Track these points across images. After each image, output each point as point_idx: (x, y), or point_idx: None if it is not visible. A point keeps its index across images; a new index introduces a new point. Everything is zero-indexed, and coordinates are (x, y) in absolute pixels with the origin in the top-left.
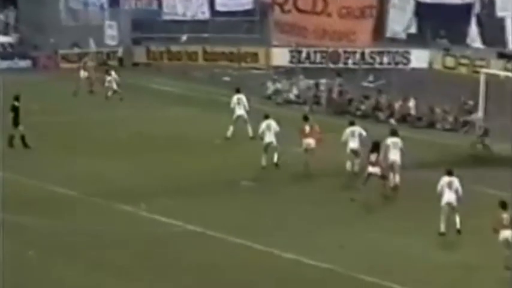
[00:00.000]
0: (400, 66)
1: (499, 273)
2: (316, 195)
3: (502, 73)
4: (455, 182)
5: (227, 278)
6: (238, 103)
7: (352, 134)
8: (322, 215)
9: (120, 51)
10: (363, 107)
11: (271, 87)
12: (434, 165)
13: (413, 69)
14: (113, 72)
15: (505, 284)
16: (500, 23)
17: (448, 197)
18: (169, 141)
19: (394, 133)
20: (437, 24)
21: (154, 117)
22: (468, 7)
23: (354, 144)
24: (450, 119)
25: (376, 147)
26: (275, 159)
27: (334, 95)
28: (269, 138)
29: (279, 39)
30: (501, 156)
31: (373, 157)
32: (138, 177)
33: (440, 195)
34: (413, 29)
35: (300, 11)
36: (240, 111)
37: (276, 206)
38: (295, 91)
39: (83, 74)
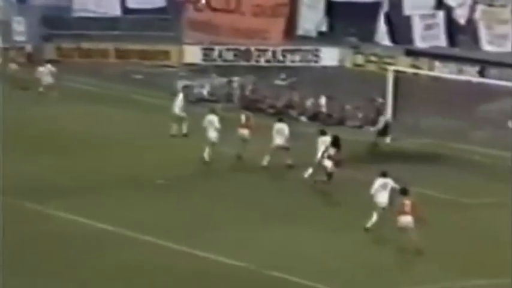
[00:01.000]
0: (311, 64)
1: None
2: (236, 192)
3: (410, 70)
4: (390, 183)
5: (139, 277)
6: (177, 101)
7: (278, 131)
8: (237, 212)
9: (28, 48)
10: (277, 105)
11: (180, 84)
12: (345, 161)
13: (324, 67)
14: (48, 65)
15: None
16: (408, 22)
17: (381, 198)
18: (80, 139)
19: (323, 132)
20: (347, 23)
21: (65, 115)
22: (377, 6)
23: (280, 140)
24: (360, 115)
25: (336, 141)
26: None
27: (247, 92)
28: (211, 133)
29: (191, 37)
30: (410, 152)
31: (332, 151)
32: (48, 175)
33: (373, 196)
34: (324, 28)
35: (212, 9)
36: (177, 109)
37: (191, 204)
38: (207, 89)
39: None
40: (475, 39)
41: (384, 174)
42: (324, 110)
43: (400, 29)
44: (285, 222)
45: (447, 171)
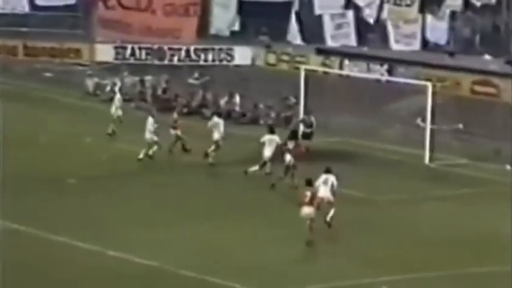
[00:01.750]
0: (224, 63)
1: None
2: (148, 192)
3: (321, 69)
4: (331, 178)
5: (47, 276)
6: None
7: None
8: (152, 212)
9: None
10: (190, 104)
11: (89, 83)
12: (258, 160)
13: (237, 66)
14: None
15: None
16: (319, 21)
17: (323, 192)
18: None
19: (271, 131)
20: (259, 22)
21: None
22: (288, 5)
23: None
24: (273, 114)
25: (294, 135)
26: (150, 152)
27: (159, 92)
28: (149, 134)
29: (103, 35)
30: (321, 150)
31: (290, 144)
32: None
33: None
34: (236, 27)
35: (124, 7)
36: (114, 109)
37: (101, 203)
38: (119, 87)
39: None
40: (383, 38)
41: (328, 171)
42: (237, 108)
43: (311, 28)
44: (201, 221)
45: (358, 169)
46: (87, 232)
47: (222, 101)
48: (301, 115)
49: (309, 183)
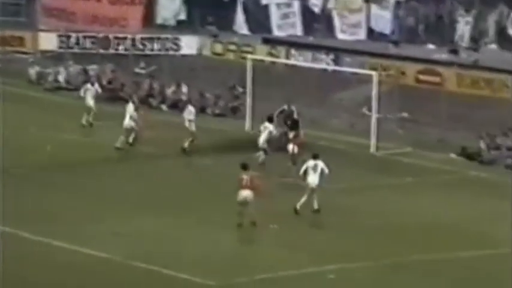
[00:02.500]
0: (171, 52)
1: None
2: (97, 183)
3: (267, 58)
4: (320, 164)
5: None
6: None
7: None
8: (99, 204)
9: None
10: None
11: (32, 71)
12: (206, 150)
13: (184, 55)
14: None
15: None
16: (265, 11)
17: (312, 179)
18: None
19: (269, 120)
20: (206, 11)
21: None
22: None
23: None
24: (221, 104)
25: (295, 124)
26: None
27: (104, 81)
28: (128, 121)
29: (46, 23)
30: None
31: (291, 134)
32: None
33: (303, 177)
34: (182, 16)
35: None
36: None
37: (48, 194)
38: (63, 76)
39: None
40: (329, 28)
41: (315, 157)
42: (184, 98)
43: (257, 18)
44: (150, 213)
45: (304, 159)
46: (35, 223)
47: (169, 91)
48: (248, 105)
49: (245, 167)
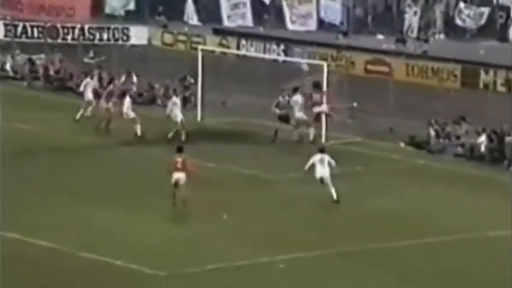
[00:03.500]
0: (120, 42)
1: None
2: (43, 174)
3: (218, 49)
4: (326, 157)
5: None
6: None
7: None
8: (49, 195)
9: None
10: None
11: None
12: (156, 140)
13: (133, 45)
14: None
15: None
16: (215, 1)
17: (321, 171)
18: None
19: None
20: (155, 2)
21: None
22: None
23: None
24: (171, 94)
25: (317, 86)
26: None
27: (51, 71)
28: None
29: None
30: (218, 130)
31: (316, 97)
32: None
33: (309, 170)
34: (131, 6)
35: None
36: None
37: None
38: (9, 65)
39: None
40: (279, 19)
41: (322, 150)
42: (134, 88)
43: (207, 9)
44: (100, 203)
45: (254, 149)
46: None
47: (119, 81)
48: (199, 95)
49: (180, 150)
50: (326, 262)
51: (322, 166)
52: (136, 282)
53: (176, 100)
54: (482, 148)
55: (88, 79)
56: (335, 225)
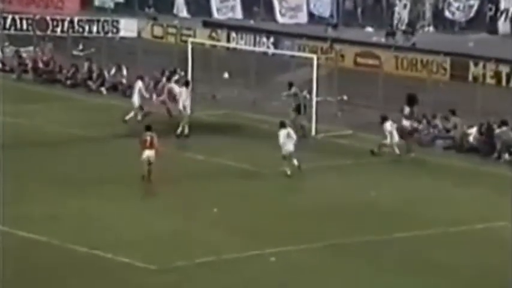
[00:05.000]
0: (110, 35)
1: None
2: (34, 167)
3: (208, 42)
4: (291, 132)
5: None
6: None
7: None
8: (37, 187)
9: None
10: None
11: None
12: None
13: (123, 38)
14: None
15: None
16: None
17: (288, 147)
18: None
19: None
20: None
21: None
22: None
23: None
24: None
25: (412, 100)
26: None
27: (40, 64)
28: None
29: None
30: (208, 123)
31: (406, 111)
32: None
33: (282, 146)
34: None
35: None
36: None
37: None
38: None
39: None
40: (269, 12)
41: (284, 125)
42: (124, 81)
43: (197, 1)
44: (87, 195)
45: (244, 142)
46: None
47: (109, 74)
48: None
49: (148, 128)
50: (317, 255)
51: (289, 141)
52: (128, 276)
53: (185, 93)
54: (471, 139)
55: (140, 83)
56: (325, 218)
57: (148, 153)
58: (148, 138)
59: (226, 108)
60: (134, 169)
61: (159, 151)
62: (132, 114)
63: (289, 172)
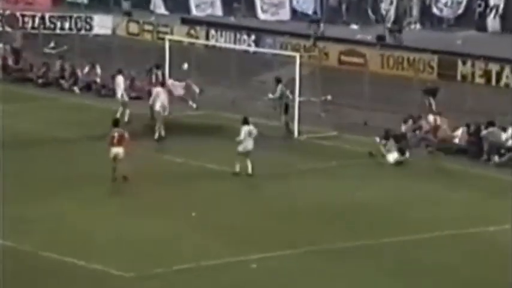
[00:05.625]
0: (83, 32)
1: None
2: (3, 165)
3: (186, 39)
4: (253, 129)
5: None
6: None
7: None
8: (3, 186)
9: None
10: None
11: None
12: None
13: (97, 35)
14: None
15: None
16: None
17: (247, 144)
18: None
19: None
20: None
21: None
22: None
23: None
24: (138, 87)
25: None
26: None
27: (10, 61)
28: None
29: None
30: (187, 123)
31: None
32: None
33: (240, 143)
34: None
35: None
36: None
37: None
38: None
39: None
40: (250, 8)
41: (247, 122)
42: (98, 80)
43: None
44: (59, 199)
45: (224, 143)
46: None
47: (81, 72)
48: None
49: (116, 123)
50: (301, 261)
51: (249, 139)
52: (103, 285)
53: (163, 93)
54: (457, 141)
55: (120, 77)
56: (310, 222)
57: (115, 150)
58: (116, 134)
59: (206, 108)
60: (108, 171)
61: (129, 149)
62: (126, 112)
63: (241, 170)
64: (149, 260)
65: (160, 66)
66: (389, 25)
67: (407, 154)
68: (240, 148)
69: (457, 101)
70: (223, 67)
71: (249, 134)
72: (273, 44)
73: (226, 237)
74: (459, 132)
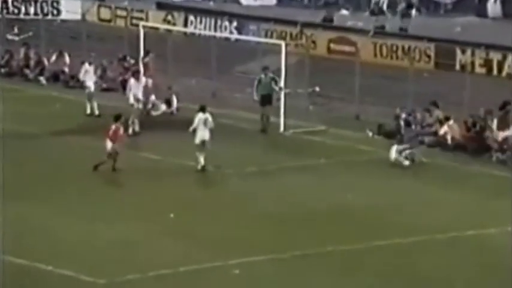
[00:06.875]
0: (50, 17)
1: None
2: None
3: (162, 26)
4: (209, 118)
5: None
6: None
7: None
8: None
9: None
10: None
11: None
12: (89, 129)
13: (64, 21)
14: None
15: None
16: None
17: (203, 134)
18: None
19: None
20: None
21: None
22: None
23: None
24: (109, 76)
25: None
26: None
27: None
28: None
29: None
30: (163, 119)
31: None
32: None
33: (195, 132)
34: None
35: None
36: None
37: None
38: None
39: None
40: None
41: (204, 109)
42: (67, 70)
43: None
44: (27, 201)
45: None
46: None
47: (49, 61)
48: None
49: (116, 118)
50: (286, 266)
51: (204, 128)
52: None
53: (138, 84)
54: (449, 139)
55: (86, 64)
56: (296, 224)
57: (109, 144)
58: (113, 127)
59: (183, 100)
60: (78, 169)
61: (120, 142)
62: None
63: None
64: (123, 266)
65: (149, 52)
66: (383, 10)
67: (403, 154)
68: (197, 140)
69: (455, 92)
70: (203, 56)
71: (204, 122)
72: (256, 31)
73: (206, 241)
74: (444, 128)
